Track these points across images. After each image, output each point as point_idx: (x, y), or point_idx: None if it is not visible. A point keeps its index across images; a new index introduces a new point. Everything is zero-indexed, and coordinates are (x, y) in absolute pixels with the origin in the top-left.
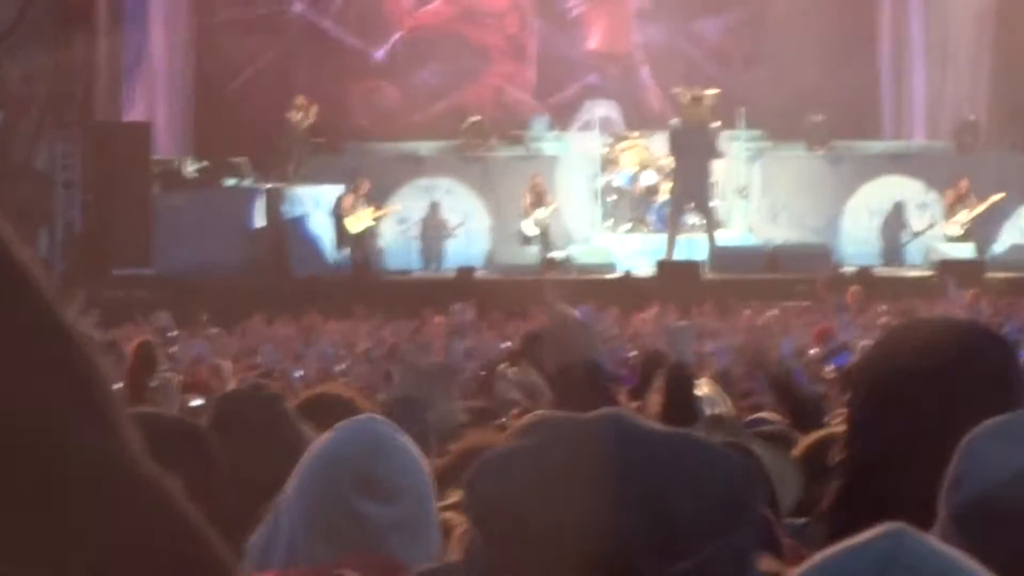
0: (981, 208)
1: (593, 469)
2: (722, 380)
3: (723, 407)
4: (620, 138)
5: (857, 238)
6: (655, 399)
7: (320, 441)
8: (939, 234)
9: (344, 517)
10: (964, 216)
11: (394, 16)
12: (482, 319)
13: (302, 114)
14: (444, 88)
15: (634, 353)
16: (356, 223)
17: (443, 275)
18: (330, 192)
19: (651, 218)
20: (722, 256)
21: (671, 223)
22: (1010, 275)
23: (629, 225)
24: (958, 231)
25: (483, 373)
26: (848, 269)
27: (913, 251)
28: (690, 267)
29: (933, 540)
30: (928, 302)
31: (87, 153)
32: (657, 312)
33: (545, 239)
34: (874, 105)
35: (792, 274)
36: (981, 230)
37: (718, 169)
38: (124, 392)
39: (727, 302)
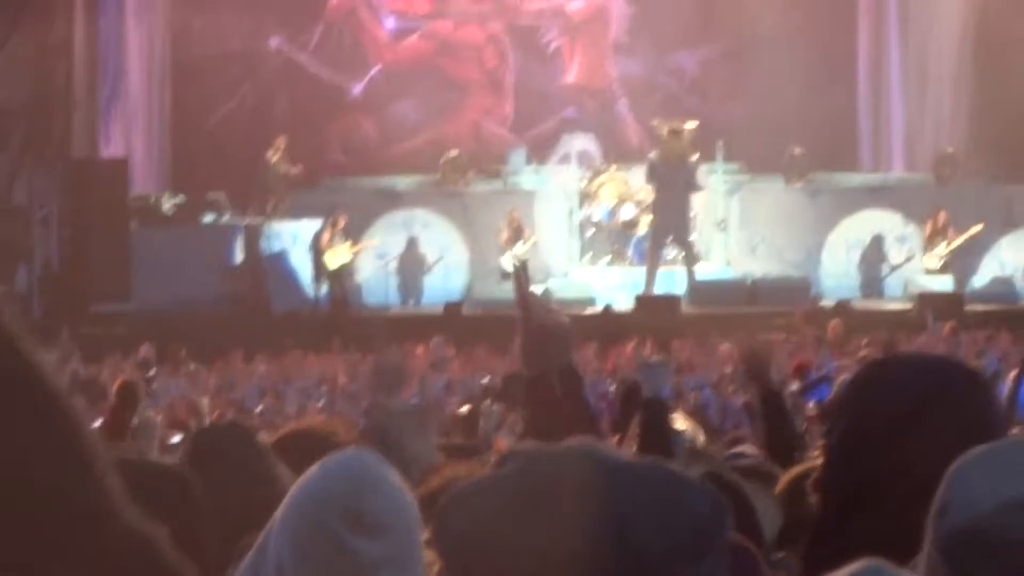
0: (960, 240)
1: (563, 500)
2: (698, 415)
3: (699, 441)
4: (598, 172)
5: (836, 271)
6: (635, 432)
7: (307, 475)
8: (918, 267)
9: (335, 553)
10: (943, 248)
11: (372, 50)
12: (464, 354)
13: (280, 154)
14: (422, 122)
15: (613, 387)
16: (334, 259)
17: (428, 310)
18: (308, 227)
19: (630, 252)
20: (701, 290)
21: (650, 257)
22: (989, 307)
23: (608, 259)
24: (937, 264)
25: (466, 409)
26: (827, 302)
27: (892, 284)
28: (670, 301)
29: None
30: (908, 335)
31: (65, 189)
32: (635, 344)
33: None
34: (852, 137)
35: (771, 307)
36: (960, 262)
37: (697, 202)
38: (106, 429)
39: (707, 335)
